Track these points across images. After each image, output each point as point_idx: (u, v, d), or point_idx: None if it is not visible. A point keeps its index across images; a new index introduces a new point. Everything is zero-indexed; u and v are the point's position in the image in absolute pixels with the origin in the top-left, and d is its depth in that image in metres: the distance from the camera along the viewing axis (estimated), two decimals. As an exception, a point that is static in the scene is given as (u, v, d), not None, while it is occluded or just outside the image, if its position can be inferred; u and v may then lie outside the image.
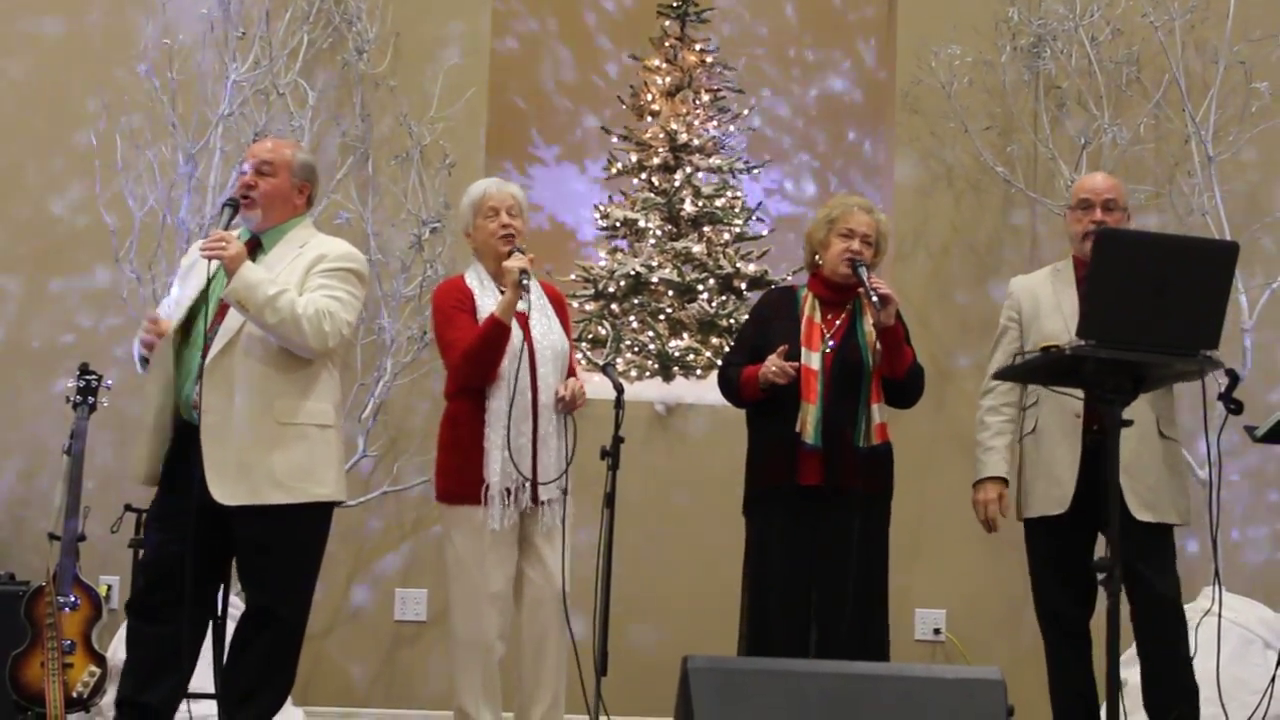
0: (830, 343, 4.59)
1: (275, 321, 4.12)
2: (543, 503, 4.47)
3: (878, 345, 4.55)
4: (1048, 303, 4.66)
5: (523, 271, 4.39)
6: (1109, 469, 3.89)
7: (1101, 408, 3.93)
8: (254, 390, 4.14)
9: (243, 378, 4.13)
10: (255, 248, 4.29)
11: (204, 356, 4.10)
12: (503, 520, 4.40)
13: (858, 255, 4.57)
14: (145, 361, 4.21)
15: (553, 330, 4.58)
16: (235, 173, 4.33)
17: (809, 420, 4.47)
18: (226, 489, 4.08)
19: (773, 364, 4.48)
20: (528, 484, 4.43)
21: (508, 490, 4.41)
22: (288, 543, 4.23)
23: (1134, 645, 5.38)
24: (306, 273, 4.24)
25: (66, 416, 5.29)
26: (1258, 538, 6.28)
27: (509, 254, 4.48)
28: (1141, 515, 4.43)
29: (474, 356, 4.40)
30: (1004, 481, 4.63)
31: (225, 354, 4.12)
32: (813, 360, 4.52)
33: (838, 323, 4.63)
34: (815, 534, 4.48)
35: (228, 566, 4.35)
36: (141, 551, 4.49)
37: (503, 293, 4.48)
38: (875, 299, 4.43)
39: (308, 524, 4.28)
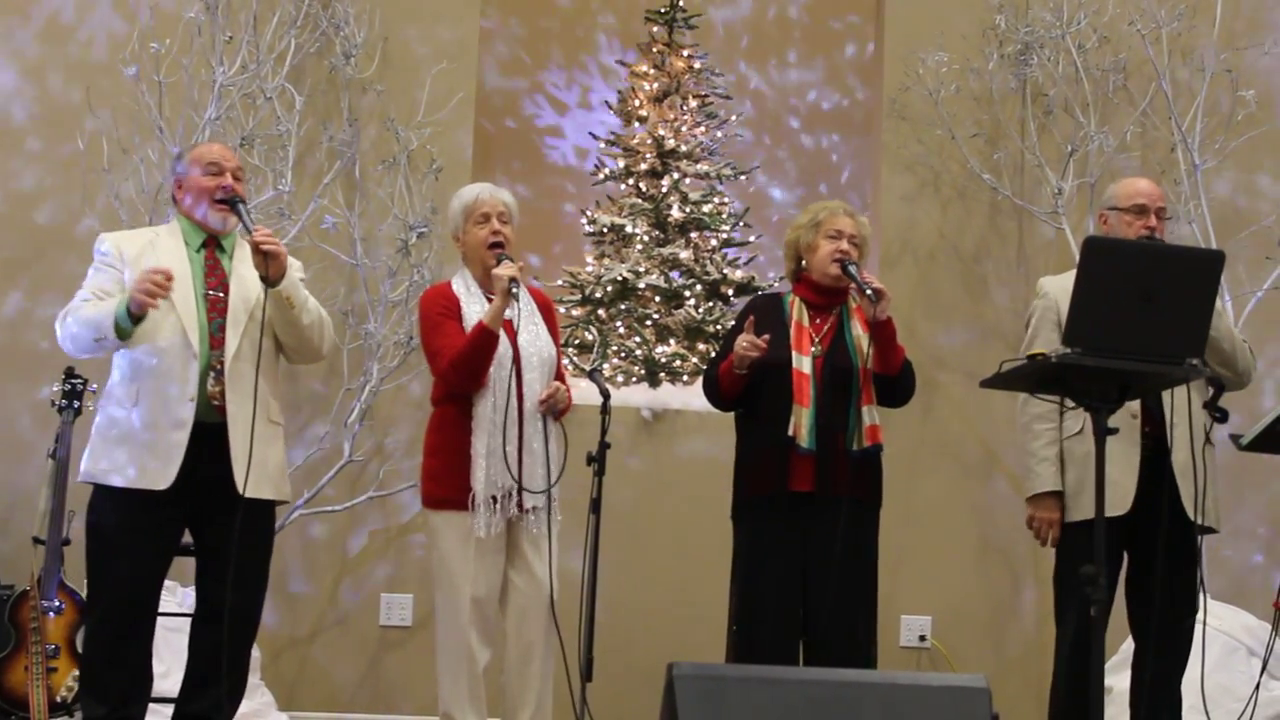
0: (819, 347, 4.58)
1: (308, 322, 4.30)
2: (528, 510, 4.46)
3: (867, 348, 4.54)
4: None
5: (512, 280, 4.37)
6: (1097, 476, 3.89)
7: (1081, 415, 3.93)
8: (259, 386, 4.18)
9: (249, 375, 4.17)
10: (216, 248, 4.34)
11: (213, 348, 4.16)
12: (489, 528, 4.40)
13: (847, 255, 4.57)
14: (138, 321, 4.09)
15: (540, 338, 4.56)
16: (202, 173, 4.28)
17: (803, 424, 4.43)
18: (247, 483, 4.14)
19: (743, 339, 4.43)
20: (514, 491, 4.42)
21: (494, 498, 4.41)
22: (266, 539, 4.35)
23: (1119, 651, 5.41)
24: None
25: (52, 421, 5.27)
26: (1242, 545, 6.30)
27: (497, 262, 4.47)
28: (1197, 518, 4.42)
29: (462, 364, 4.39)
30: (1060, 495, 4.51)
31: (239, 350, 4.19)
32: (804, 364, 4.50)
33: (825, 327, 4.62)
34: (806, 541, 4.47)
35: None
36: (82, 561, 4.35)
37: (490, 299, 4.47)
38: (870, 293, 4.42)
39: (273, 521, 4.43)
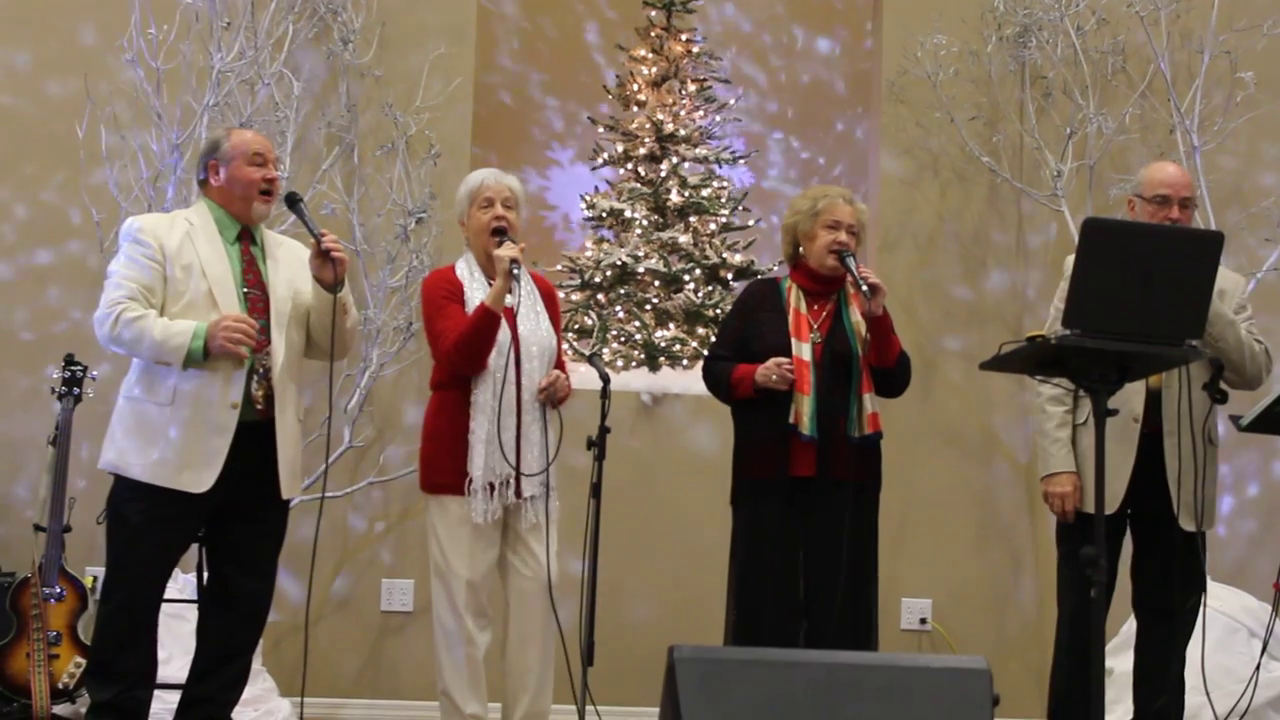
0: (818, 333, 4.58)
1: (350, 325, 4.39)
2: (526, 498, 4.47)
3: (865, 335, 4.55)
4: None
5: (513, 261, 4.37)
6: (1097, 459, 3.89)
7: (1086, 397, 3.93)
8: (294, 389, 4.27)
9: (289, 376, 4.25)
10: (251, 240, 4.35)
11: (255, 350, 4.14)
12: (486, 515, 4.41)
13: (844, 246, 4.56)
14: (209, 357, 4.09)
15: (540, 325, 4.55)
16: (246, 163, 4.25)
17: (804, 411, 4.45)
18: (288, 484, 4.26)
19: (774, 371, 4.45)
20: (511, 479, 4.43)
21: (490, 485, 4.41)
22: (284, 533, 4.43)
23: (1118, 634, 5.42)
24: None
25: (51, 407, 5.27)
26: (1242, 527, 6.30)
27: (498, 244, 4.47)
28: (1187, 525, 4.44)
29: (465, 346, 4.39)
30: (1075, 474, 4.55)
31: (286, 355, 4.24)
32: (804, 351, 4.51)
33: (823, 314, 4.62)
34: (807, 525, 4.48)
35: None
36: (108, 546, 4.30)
37: (492, 283, 4.48)
38: (865, 289, 4.42)
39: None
